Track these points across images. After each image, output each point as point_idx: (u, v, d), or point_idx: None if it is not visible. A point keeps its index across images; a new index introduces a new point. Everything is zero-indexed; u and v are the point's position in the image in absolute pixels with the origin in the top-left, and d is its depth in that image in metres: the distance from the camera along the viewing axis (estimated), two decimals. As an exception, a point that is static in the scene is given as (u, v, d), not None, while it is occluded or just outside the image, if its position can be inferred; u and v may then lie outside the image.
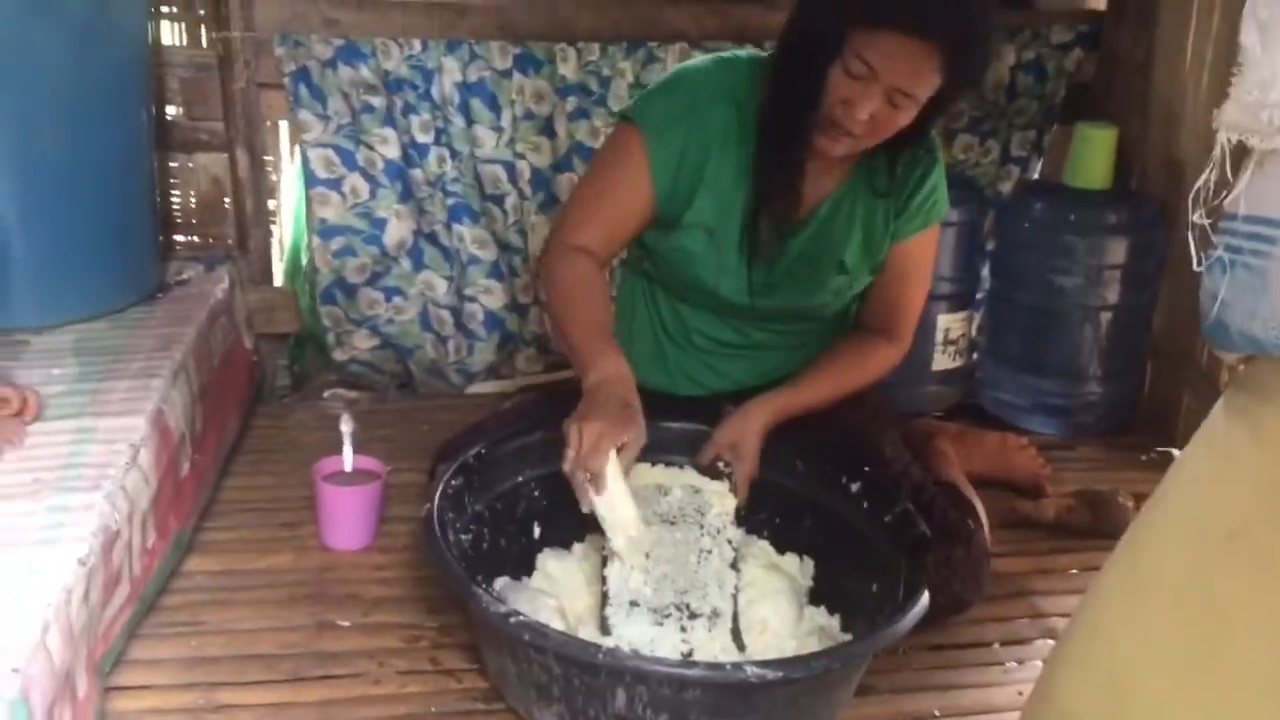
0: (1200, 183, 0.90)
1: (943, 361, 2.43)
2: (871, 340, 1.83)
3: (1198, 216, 0.92)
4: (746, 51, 1.77)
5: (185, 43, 2.41)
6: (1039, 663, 1.70)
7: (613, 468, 1.47)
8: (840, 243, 1.74)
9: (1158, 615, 0.96)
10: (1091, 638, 1.04)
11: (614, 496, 1.49)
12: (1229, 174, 0.91)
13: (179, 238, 2.41)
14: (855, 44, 1.49)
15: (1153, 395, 2.46)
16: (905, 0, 1.47)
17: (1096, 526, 2.02)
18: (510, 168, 2.39)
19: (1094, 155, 2.33)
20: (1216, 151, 0.90)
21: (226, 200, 2.38)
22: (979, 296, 2.56)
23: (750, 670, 1.26)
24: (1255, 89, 0.84)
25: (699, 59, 1.76)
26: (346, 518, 1.85)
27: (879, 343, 1.83)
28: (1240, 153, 0.91)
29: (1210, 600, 0.92)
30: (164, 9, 2.36)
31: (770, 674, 1.27)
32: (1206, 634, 0.92)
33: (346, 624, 1.69)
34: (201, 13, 2.35)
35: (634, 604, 1.52)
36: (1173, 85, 2.34)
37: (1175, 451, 2.31)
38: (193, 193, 2.40)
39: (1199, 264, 0.94)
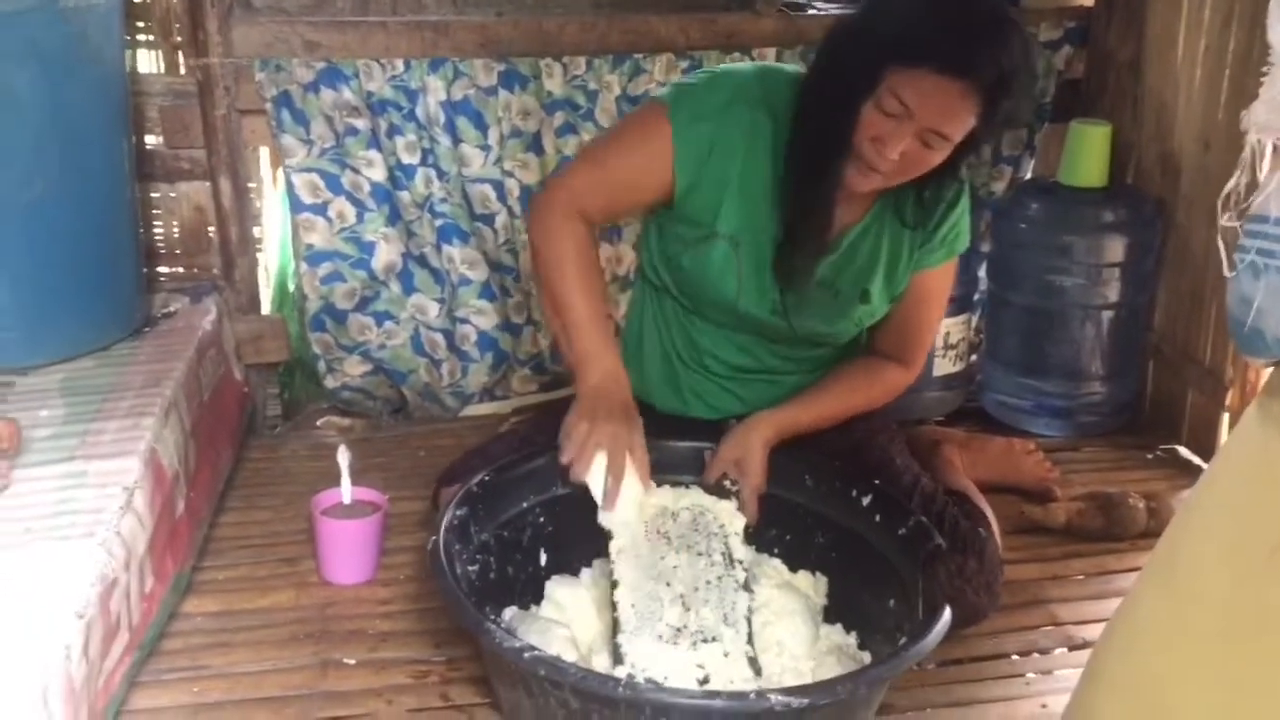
0: (1230, 186, 0.88)
1: (943, 366, 2.40)
2: (882, 364, 1.80)
3: (1227, 219, 0.89)
4: (791, 66, 1.73)
5: (163, 70, 2.35)
6: (1060, 673, 1.68)
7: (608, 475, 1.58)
8: (864, 272, 1.70)
9: (1200, 635, 0.93)
10: (1129, 658, 1.01)
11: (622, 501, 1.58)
12: (1259, 175, 0.88)
13: (163, 269, 2.36)
14: (892, 81, 1.44)
15: (1156, 393, 2.44)
16: (948, 40, 1.43)
17: (1108, 530, 2.00)
18: (499, 186, 2.35)
19: (1089, 153, 2.31)
20: (1246, 153, 0.87)
21: (211, 229, 2.33)
22: (976, 298, 2.53)
23: (775, 699, 1.23)
24: (1288, 89, 0.81)
25: (741, 64, 1.71)
26: (347, 552, 1.81)
27: (890, 366, 1.80)
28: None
29: (1255, 619, 0.90)
30: (140, 37, 2.31)
31: (796, 702, 1.23)
32: (1252, 654, 0.89)
33: (352, 662, 1.65)
34: (179, 39, 2.30)
35: (646, 631, 1.49)
36: (1164, 80, 2.32)
37: (1182, 450, 2.33)
38: (176, 223, 2.35)
39: (1230, 269, 0.91)
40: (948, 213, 1.71)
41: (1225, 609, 0.91)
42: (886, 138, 1.48)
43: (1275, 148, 0.87)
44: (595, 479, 1.56)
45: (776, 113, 1.61)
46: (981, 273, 2.52)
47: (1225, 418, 2.23)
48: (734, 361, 1.78)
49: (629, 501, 1.58)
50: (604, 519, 1.57)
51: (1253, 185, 0.88)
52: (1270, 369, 0.98)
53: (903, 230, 1.70)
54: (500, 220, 2.36)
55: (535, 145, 2.35)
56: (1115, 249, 2.30)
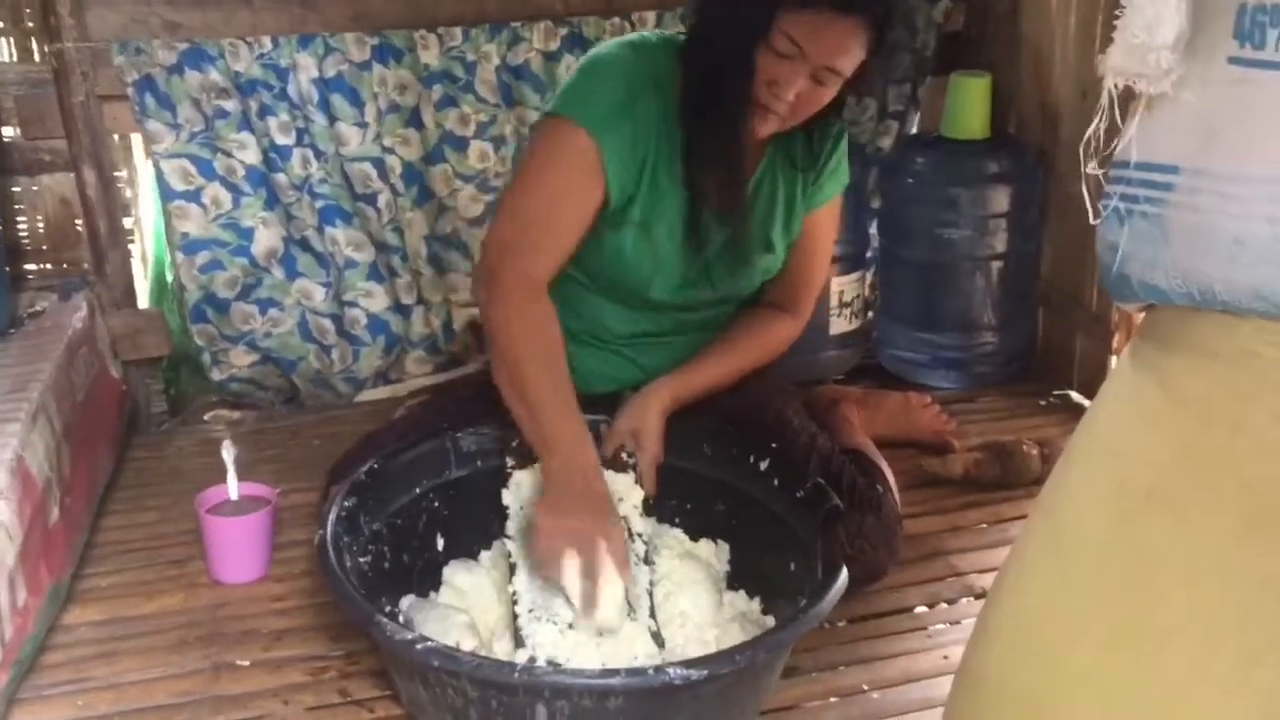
0: (1090, 131, 0.87)
1: (839, 325, 2.40)
2: (773, 315, 1.80)
3: (1090, 167, 0.89)
4: (654, 33, 1.69)
5: (16, 58, 2.25)
6: (966, 623, 1.69)
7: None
8: (765, 221, 1.70)
9: (1082, 580, 0.94)
10: (1017, 607, 1.01)
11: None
12: (1119, 120, 0.88)
13: (30, 266, 2.26)
14: (784, 23, 1.45)
15: (1046, 340, 2.48)
16: None
17: (1004, 478, 2.03)
18: (379, 164, 2.28)
19: (970, 105, 2.32)
20: (1104, 98, 0.86)
21: (78, 222, 2.24)
22: (869, 255, 2.54)
23: (674, 672, 1.22)
24: (1141, 31, 0.80)
25: (608, 45, 1.65)
26: (236, 550, 1.75)
27: (780, 317, 1.80)
28: (1127, 98, 0.88)
29: (1134, 561, 0.90)
30: (-11, 24, 2.21)
31: (695, 674, 1.22)
32: (1132, 596, 0.90)
33: (246, 663, 1.59)
34: (30, 24, 2.19)
35: (546, 612, 1.46)
36: (1041, 29, 2.34)
37: (1073, 394, 2.36)
38: (40, 217, 2.25)
39: (1095, 216, 0.90)
40: (833, 150, 1.73)
41: (1103, 555, 0.91)
42: (782, 79, 1.49)
43: (1133, 91, 0.86)
44: (570, 581, 1.42)
45: (663, 87, 1.59)
46: (873, 229, 2.53)
47: (1113, 361, 2.28)
48: (634, 330, 1.76)
49: (610, 601, 1.42)
50: (584, 622, 1.43)
51: (1113, 130, 0.87)
52: (1143, 314, 0.98)
53: (794, 173, 1.71)
54: (383, 199, 2.30)
55: (414, 120, 2.29)
56: (1000, 199, 2.31)
